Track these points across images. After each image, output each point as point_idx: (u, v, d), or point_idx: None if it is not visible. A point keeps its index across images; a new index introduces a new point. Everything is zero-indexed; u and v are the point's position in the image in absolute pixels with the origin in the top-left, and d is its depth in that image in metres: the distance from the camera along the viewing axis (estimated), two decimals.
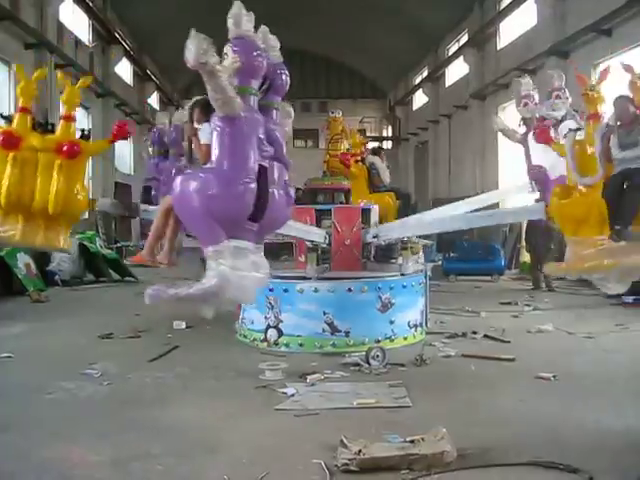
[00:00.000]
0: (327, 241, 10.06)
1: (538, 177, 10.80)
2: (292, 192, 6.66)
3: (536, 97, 10.48)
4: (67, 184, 8.19)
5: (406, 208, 14.44)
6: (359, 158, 14.81)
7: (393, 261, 9.97)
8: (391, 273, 9.56)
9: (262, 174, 6.08)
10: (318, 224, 10.41)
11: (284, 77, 6.73)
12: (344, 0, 32.90)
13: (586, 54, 18.54)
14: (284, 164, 6.49)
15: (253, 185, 5.95)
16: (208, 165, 6.13)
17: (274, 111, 6.60)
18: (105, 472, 4.80)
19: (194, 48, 5.56)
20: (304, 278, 9.23)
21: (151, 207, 8.68)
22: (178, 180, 6.11)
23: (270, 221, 6.39)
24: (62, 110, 8.57)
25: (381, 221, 11.39)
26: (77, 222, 9.23)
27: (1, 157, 7.92)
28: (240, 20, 6.13)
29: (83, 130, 9.04)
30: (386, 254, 10.31)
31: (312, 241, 9.73)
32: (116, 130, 8.87)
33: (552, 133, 9.02)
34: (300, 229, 9.69)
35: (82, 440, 5.49)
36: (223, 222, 5.89)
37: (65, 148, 8.12)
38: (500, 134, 13.19)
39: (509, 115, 25.07)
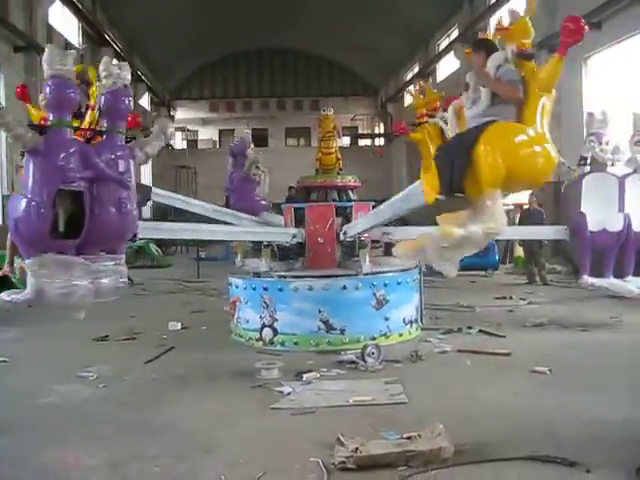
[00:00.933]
0: (299, 240, 10.04)
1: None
2: (129, 207, 6.87)
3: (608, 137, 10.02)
4: None
5: None
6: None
7: (355, 259, 9.94)
8: (348, 272, 9.57)
9: (79, 197, 6.49)
10: (298, 222, 10.45)
11: (127, 102, 6.97)
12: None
13: (576, 47, 18.45)
14: (117, 183, 6.73)
15: (43, 209, 6.29)
16: None
17: (117, 136, 6.89)
18: (102, 475, 4.79)
19: None
20: (298, 277, 9.25)
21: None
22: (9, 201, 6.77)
23: (99, 236, 6.72)
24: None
25: None
26: None
27: None
28: (51, 61, 6.44)
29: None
30: (349, 252, 10.29)
31: (269, 242, 9.95)
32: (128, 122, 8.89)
33: None
34: (259, 233, 10.20)
35: (78, 443, 5.48)
36: (28, 240, 6.44)
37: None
38: None
39: None
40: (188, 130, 49.02)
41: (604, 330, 9.69)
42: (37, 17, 22.01)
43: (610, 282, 9.74)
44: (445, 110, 9.07)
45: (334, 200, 11.33)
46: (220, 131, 51.10)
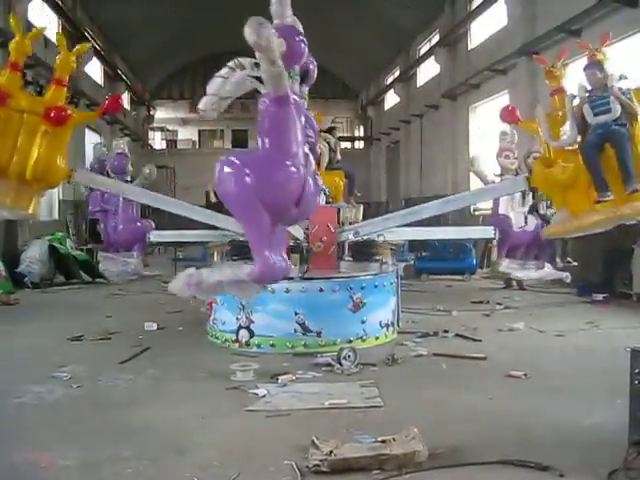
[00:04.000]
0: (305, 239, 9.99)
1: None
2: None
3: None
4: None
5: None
6: None
7: (377, 258, 9.97)
8: (369, 272, 9.59)
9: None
10: None
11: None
12: (316, 2, 32.90)
13: (556, 54, 18.51)
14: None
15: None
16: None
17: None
18: (74, 476, 4.76)
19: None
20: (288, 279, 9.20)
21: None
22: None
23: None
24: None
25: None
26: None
27: None
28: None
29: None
30: (363, 251, 10.29)
31: (295, 239, 9.76)
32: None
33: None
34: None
35: (51, 444, 5.43)
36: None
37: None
38: (472, 134, 13.58)
39: (480, 115, 25.31)
40: (167, 130, 48.85)
41: (579, 335, 9.75)
42: (16, 14, 21.81)
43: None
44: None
45: None
46: (200, 131, 50.97)
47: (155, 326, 10.59)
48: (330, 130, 15.51)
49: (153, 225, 17.29)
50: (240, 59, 5.98)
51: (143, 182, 8.13)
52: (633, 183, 8.13)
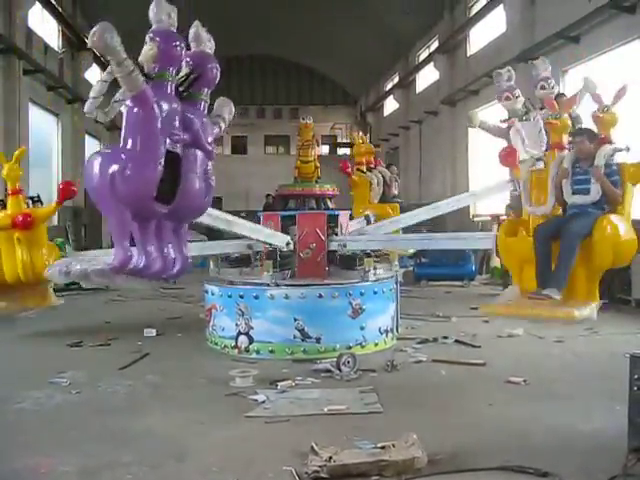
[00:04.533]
0: (290, 247, 9.98)
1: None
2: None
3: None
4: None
5: None
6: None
7: (358, 268, 9.92)
8: (353, 280, 9.54)
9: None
10: (284, 230, 10.36)
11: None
12: (315, 7, 32.96)
13: (554, 61, 18.56)
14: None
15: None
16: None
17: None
18: None
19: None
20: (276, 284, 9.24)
21: None
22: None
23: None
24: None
25: None
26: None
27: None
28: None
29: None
30: (347, 260, 10.27)
31: (270, 245, 9.84)
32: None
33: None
34: (262, 232, 9.97)
35: (51, 450, 5.43)
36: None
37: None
38: (472, 140, 13.44)
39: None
40: None
41: (578, 341, 9.74)
42: (16, 20, 21.85)
43: None
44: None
45: (312, 209, 11.32)
46: None
47: (154, 332, 10.59)
48: (388, 166, 17.75)
49: None
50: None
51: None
52: (551, 287, 7.26)
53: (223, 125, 7.09)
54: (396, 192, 16.11)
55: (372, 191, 16.06)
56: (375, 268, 9.60)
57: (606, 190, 7.47)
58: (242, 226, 9.51)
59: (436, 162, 29.60)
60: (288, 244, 9.91)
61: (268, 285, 9.10)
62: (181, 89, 6.51)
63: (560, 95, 9.82)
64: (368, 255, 9.81)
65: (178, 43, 6.38)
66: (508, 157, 8.76)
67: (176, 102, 6.28)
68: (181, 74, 6.55)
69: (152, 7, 6.36)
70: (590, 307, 7.29)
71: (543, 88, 9.32)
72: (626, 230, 7.42)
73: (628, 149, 7.73)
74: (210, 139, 6.59)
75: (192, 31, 6.90)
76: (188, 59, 6.65)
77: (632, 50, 15.54)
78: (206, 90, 6.78)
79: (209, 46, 7.02)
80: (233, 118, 7.45)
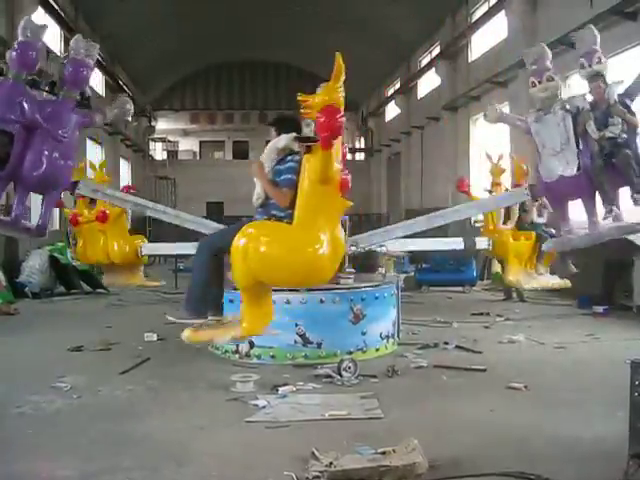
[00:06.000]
0: None
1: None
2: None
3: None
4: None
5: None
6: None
7: (379, 270, 10.00)
8: (371, 283, 9.64)
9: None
10: None
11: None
12: (317, 13, 33.01)
13: (556, 66, 18.69)
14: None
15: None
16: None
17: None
18: None
19: None
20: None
21: None
22: None
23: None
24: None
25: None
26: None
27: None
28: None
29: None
30: (365, 262, 10.33)
31: None
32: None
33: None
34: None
35: (51, 454, 5.43)
36: None
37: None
38: (473, 146, 13.55)
39: (480, 127, 25.32)
40: (169, 141, 48.92)
41: (580, 347, 9.73)
42: (18, 24, 21.89)
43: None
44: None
45: None
46: (201, 142, 51.06)
47: (155, 337, 10.59)
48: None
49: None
50: None
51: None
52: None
53: (99, 117, 8.57)
54: (538, 220, 13.20)
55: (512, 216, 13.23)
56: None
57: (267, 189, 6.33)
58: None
59: (437, 168, 29.58)
60: None
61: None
62: (46, 88, 8.03)
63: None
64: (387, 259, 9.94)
65: (32, 52, 7.91)
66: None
67: (18, 94, 7.62)
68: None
69: (21, 24, 8.13)
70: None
71: (583, 67, 8.54)
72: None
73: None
74: (63, 125, 7.89)
75: (72, 42, 8.31)
76: (66, 62, 8.19)
77: (633, 57, 15.54)
78: (77, 90, 8.14)
79: (84, 53, 8.21)
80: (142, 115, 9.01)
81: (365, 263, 10.41)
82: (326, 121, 5.54)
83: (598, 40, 8.78)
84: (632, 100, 8.32)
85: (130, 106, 8.80)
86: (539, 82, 8.40)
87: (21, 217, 7.94)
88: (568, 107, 8.34)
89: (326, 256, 5.83)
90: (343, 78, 5.91)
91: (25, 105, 7.58)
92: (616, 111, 8.08)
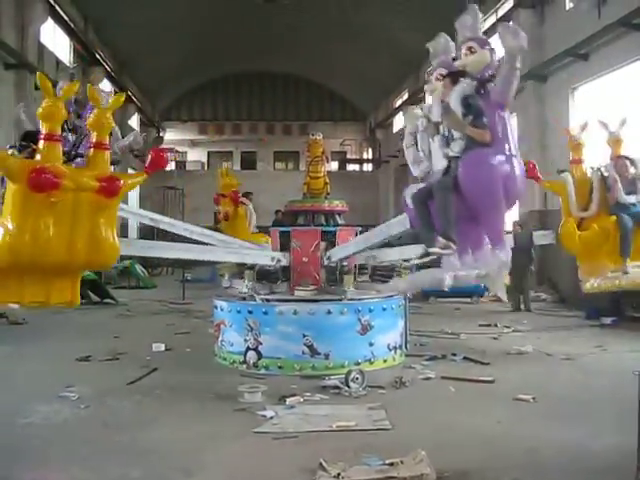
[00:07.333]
0: (284, 263, 10.12)
1: None
2: None
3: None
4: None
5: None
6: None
7: (338, 284, 10.01)
8: (332, 296, 9.63)
9: None
10: (284, 246, 10.54)
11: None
12: (325, 24, 33.10)
13: (564, 78, 18.75)
14: None
15: None
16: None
17: None
18: None
19: None
20: (284, 300, 9.28)
21: None
22: None
23: None
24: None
25: None
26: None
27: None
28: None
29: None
30: (383, 273, 10.39)
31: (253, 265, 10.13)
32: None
33: None
34: (244, 253, 10.29)
35: (59, 464, 5.45)
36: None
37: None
38: None
39: None
40: (177, 151, 49.01)
41: (588, 359, 9.71)
42: (29, 35, 21.99)
43: None
44: None
45: (321, 225, 11.34)
46: (209, 153, 51.12)
47: (163, 347, 10.60)
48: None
49: None
50: None
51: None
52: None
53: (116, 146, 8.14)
54: (628, 199, 9.42)
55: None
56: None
57: None
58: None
59: None
60: (278, 260, 10.05)
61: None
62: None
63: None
64: (345, 272, 9.89)
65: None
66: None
67: None
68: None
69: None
70: None
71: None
72: None
73: None
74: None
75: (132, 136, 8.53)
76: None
77: None
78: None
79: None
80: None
81: (385, 274, 10.45)
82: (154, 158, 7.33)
83: (477, 23, 7.34)
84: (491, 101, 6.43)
85: (141, 139, 8.71)
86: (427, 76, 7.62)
87: None
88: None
89: None
90: None
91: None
92: (449, 120, 6.52)
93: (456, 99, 6.43)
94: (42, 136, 6.44)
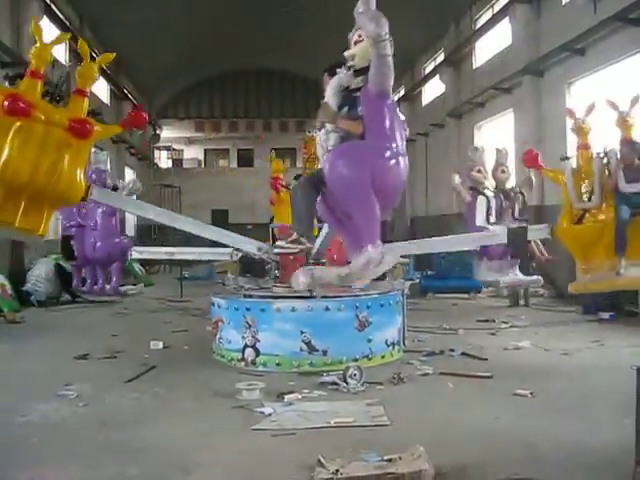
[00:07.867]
0: (268, 255, 10.13)
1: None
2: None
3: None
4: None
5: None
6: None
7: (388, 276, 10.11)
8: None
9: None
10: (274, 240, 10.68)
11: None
12: (322, 21, 33.08)
13: (560, 73, 18.73)
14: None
15: None
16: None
17: None
18: None
19: None
20: (281, 297, 9.27)
21: None
22: None
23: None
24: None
25: None
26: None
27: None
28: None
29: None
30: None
31: (239, 250, 10.20)
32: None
33: None
34: (232, 237, 10.27)
35: (57, 462, 5.44)
36: None
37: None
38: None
39: (485, 134, 25.33)
40: (173, 149, 48.98)
41: (585, 354, 9.72)
42: (24, 33, 21.96)
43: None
44: None
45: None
46: (205, 150, 51.10)
47: (161, 345, 10.59)
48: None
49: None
50: None
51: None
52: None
53: None
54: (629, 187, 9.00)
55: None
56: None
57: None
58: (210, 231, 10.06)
59: (442, 175, 29.51)
60: (260, 249, 10.04)
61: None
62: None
63: None
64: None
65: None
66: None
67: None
68: None
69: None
70: None
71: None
72: None
73: None
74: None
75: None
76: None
77: (638, 63, 15.53)
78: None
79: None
80: None
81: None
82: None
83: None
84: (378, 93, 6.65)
85: (139, 185, 8.98)
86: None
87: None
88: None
89: None
90: None
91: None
92: (320, 113, 6.69)
93: (331, 91, 6.48)
94: (27, 72, 7.82)
